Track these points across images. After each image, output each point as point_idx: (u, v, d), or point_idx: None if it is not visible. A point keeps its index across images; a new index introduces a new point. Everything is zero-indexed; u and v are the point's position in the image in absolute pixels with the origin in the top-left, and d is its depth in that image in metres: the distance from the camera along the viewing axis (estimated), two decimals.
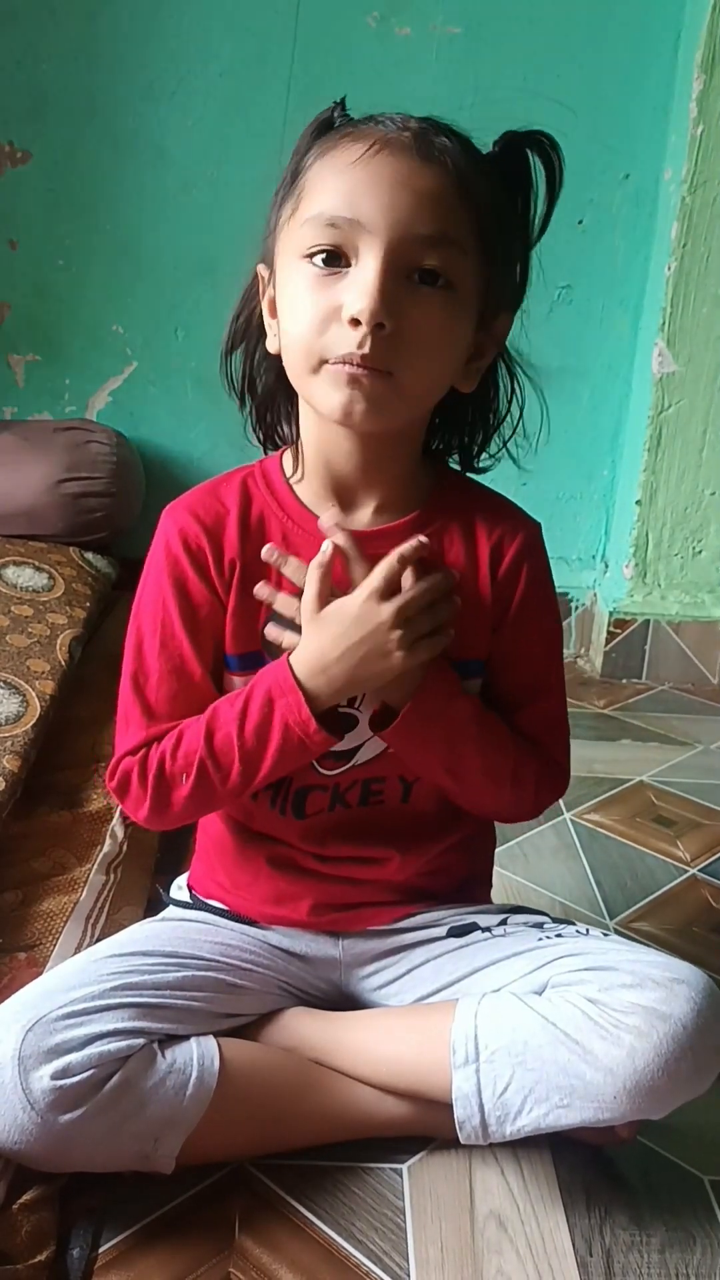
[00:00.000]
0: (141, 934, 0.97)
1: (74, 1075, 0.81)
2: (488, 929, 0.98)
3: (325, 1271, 0.83)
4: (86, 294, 2.09)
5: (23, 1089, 0.80)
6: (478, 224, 0.84)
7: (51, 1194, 0.85)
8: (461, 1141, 0.89)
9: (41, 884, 1.14)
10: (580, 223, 2.06)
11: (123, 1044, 0.84)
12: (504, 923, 0.99)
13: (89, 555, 1.85)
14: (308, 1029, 0.96)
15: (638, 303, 2.13)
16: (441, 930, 0.99)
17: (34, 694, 1.38)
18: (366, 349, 0.80)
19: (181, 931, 0.98)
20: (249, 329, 0.94)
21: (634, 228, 2.09)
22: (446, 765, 0.92)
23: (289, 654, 0.88)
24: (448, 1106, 0.89)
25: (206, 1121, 0.86)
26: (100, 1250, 0.84)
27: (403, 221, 0.80)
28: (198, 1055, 0.87)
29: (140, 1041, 0.85)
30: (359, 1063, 0.93)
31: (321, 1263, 0.84)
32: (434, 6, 1.97)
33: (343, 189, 0.81)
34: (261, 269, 0.91)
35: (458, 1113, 0.88)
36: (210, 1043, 0.89)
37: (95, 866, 1.18)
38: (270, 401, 0.96)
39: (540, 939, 0.95)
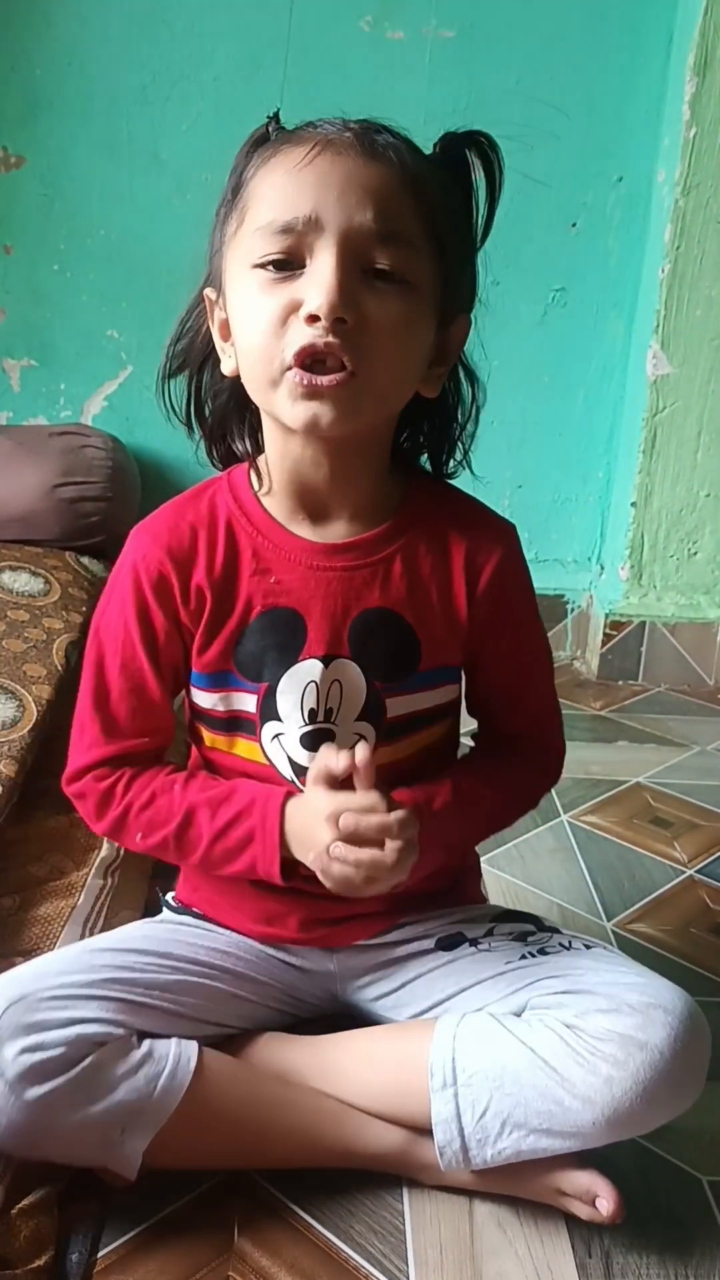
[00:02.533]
0: (140, 932, 0.97)
1: (46, 1050, 0.81)
2: (474, 940, 0.97)
3: (325, 1274, 0.83)
4: (81, 298, 2.09)
5: None
6: (429, 220, 0.81)
7: (50, 1199, 0.85)
8: (442, 1169, 0.87)
9: (39, 889, 1.13)
10: (574, 225, 2.07)
11: (101, 1030, 0.84)
12: (490, 933, 0.98)
13: (85, 560, 1.85)
14: (284, 1050, 0.95)
15: (631, 305, 2.13)
16: (430, 942, 0.98)
17: (30, 699, 1.38)
18: (330, 337, 0.77)
19: (180, 935, 0.97)
20: (191, 353, 0.93)
21: (627, 230, 2.09)
22: (451, 859, 0.97)
23: (286, 804, 0.88)
24: (429, 1137, 0.87)
25: (177, 1123, 0.85)
26: (99, 1255, 0.84)
27: (354, 215, 0.78)
28: (174, 1053, 0.87)
29: (120, 1031, 0.85)
30: (336, 1084, 0.92)
31: (321, 1266, 0.84)
32: (427, 10, 1.97)
33: (289, 192, 0.79)
34: (209, 292, 0.89)
35: (438, 1137, 0.86)
36: (190, 1045, 0.89)
37: (92, 871, 1.18)
38: (225, 424, 0.94)
39: (523, 954, 0.94)
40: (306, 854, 0.85)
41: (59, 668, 1.48)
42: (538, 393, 2.13)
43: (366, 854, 0.81)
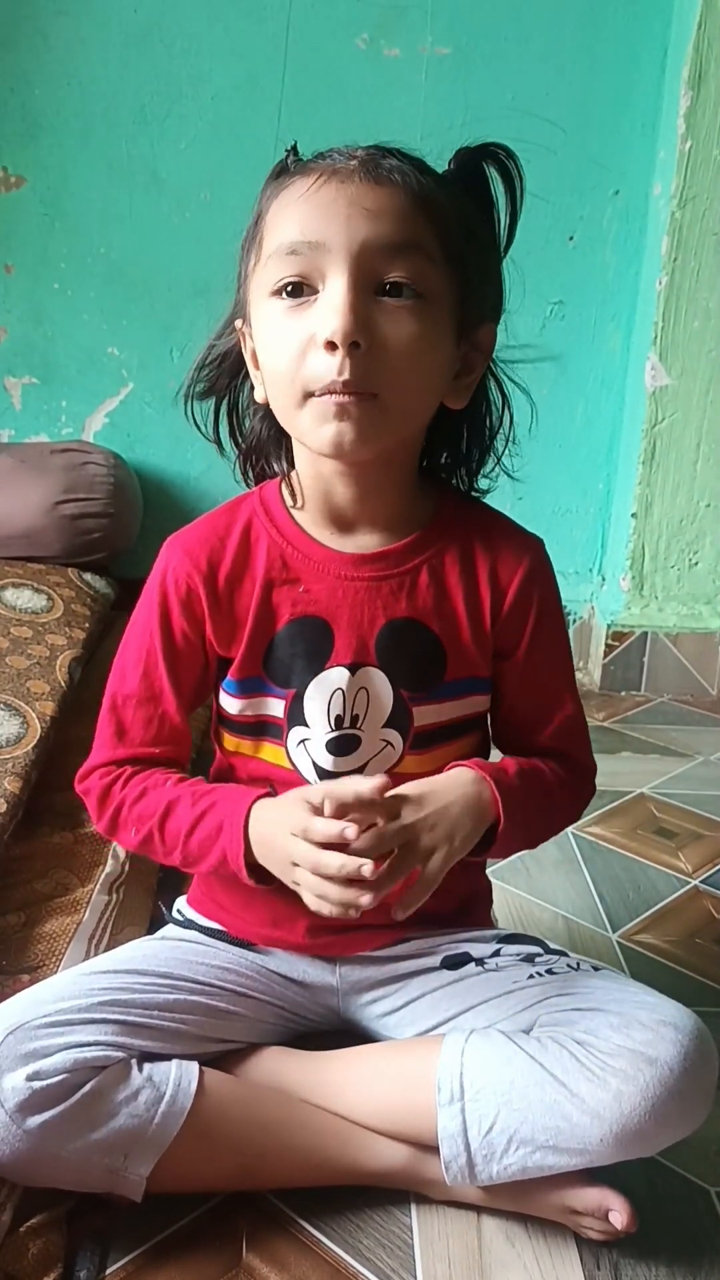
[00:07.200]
0: (138, 952, 0.97)
1: (46, 1078, 0.81)
2: (480, 960, 0.97)
3: None
4: (82, 317, 2.10)
5: None
6: (441, 231, 0.82)
7: (59, 1216, 0.85)
8: (448, 1183, 0.87)
9: (44, 905, 1.14)
10: (571, 239, 2.08)
11: (99, 1053, 0.84)
12: (497, 953, 0.98)
13: (87, 576, 1.86)
14: (288, 1067, 0.95)
15: (630, 317, 2.14)
16: (436, 960, 0.98)
17: (34, 715, 1.38)
18: (347, 374, 0.79)
19: (179, 953, 0.97)
20: (218, 380, 0.94)
21: (624, 243, 2.10)
22: (529, 844, 0.96)
23: (255, 805, 0.87)
24: (435, 1153, 0.87)
25: (180, 1146, 0.85)
26: (108, 1271, 0.83)
27: (361, 236, 0.80)
28: (175, 1076, 0.87)
29: (119, 1055, 0.85)
30: (341, 1102, 0.91)
31: None
32: (423, 28, 1.99)
33: (298, 219, 0.81)
34: (239, 324, 0.91)
35: (444, 1152, 0.86)
36: (191, 1067, 0.88)
37: (97, 887, 1.18)
38: (262, 446, 0.97)
39: (531, 974, 0.94)
40: (269, 858, 0.85)
41: (62, 684, 1.48)
42: (537, 405, 2.13)
43: (333, 858, 0.79)
